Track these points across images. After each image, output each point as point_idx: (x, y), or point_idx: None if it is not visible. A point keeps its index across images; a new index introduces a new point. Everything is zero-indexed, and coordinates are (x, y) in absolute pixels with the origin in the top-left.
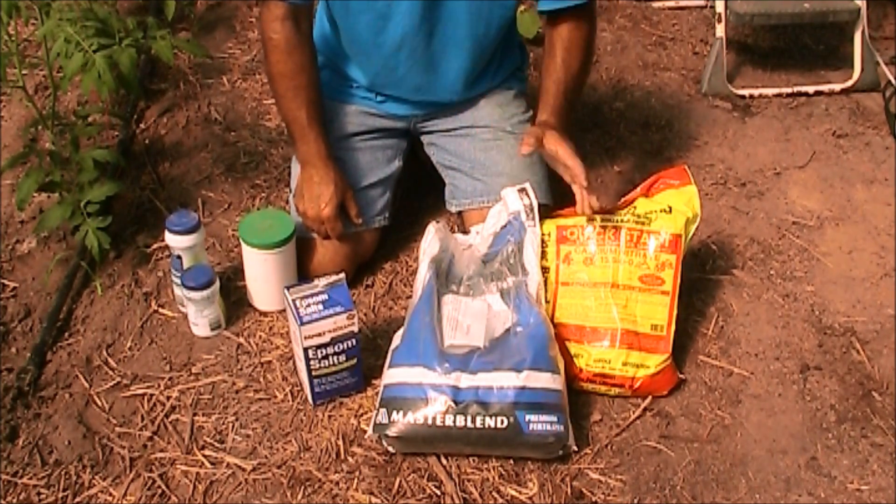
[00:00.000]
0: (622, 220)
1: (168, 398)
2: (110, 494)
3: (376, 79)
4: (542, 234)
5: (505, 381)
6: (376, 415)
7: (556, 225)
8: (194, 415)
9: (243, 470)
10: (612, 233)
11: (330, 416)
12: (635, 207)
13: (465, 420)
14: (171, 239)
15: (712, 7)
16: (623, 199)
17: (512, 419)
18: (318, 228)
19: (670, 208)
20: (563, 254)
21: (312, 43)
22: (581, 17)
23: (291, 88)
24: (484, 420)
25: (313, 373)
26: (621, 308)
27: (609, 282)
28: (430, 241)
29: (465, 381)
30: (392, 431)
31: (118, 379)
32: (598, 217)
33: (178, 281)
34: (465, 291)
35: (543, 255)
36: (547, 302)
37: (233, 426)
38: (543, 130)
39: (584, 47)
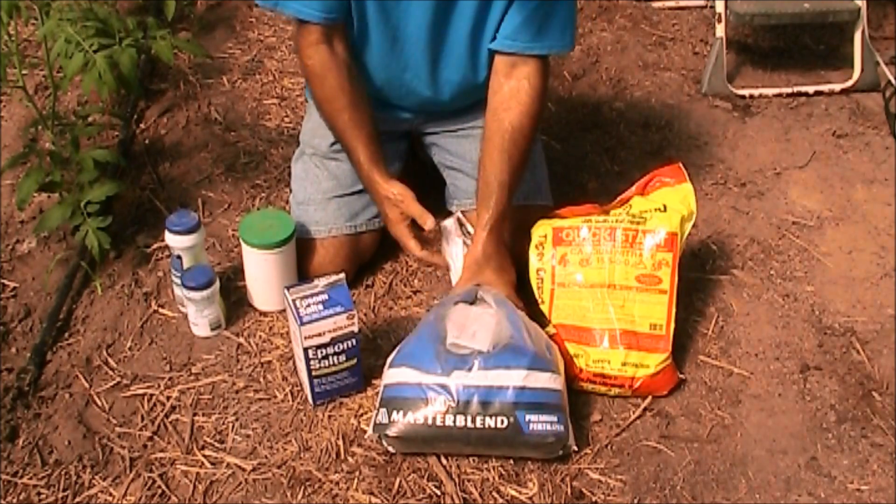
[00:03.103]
0: (617, 220)
1: (168, 398)
2: (110, 494)
3: (380, 93)
4: (538, 238)
5: (505, 381)
6: (376, 415)
7: (551, 227)
8: (194, 415)
9: (243, 470)
10: (608, 233)
11: (330, 416)
12: (630, 206)
13: (465, 420)
14: (171, 239)
15: (712, 7)
16: (619, 198)
17: (512, 419)
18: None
19: (665, 206)
20: (559, 255)
21: (349, 65)
22: (536, 72)
23: (332, 112)
24: (484, 420)
25: (313, 373)
26: (619, 308)
27: (605, 282)
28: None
29: (465, 380)
30: (392, 431)
31: (118, 379)
32: (593, 218)
33: (178, 281)
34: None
35: (539, 256)
36: (542, 303)
37: (233, 426)
38: (475, 269)
39: (531, 121)
